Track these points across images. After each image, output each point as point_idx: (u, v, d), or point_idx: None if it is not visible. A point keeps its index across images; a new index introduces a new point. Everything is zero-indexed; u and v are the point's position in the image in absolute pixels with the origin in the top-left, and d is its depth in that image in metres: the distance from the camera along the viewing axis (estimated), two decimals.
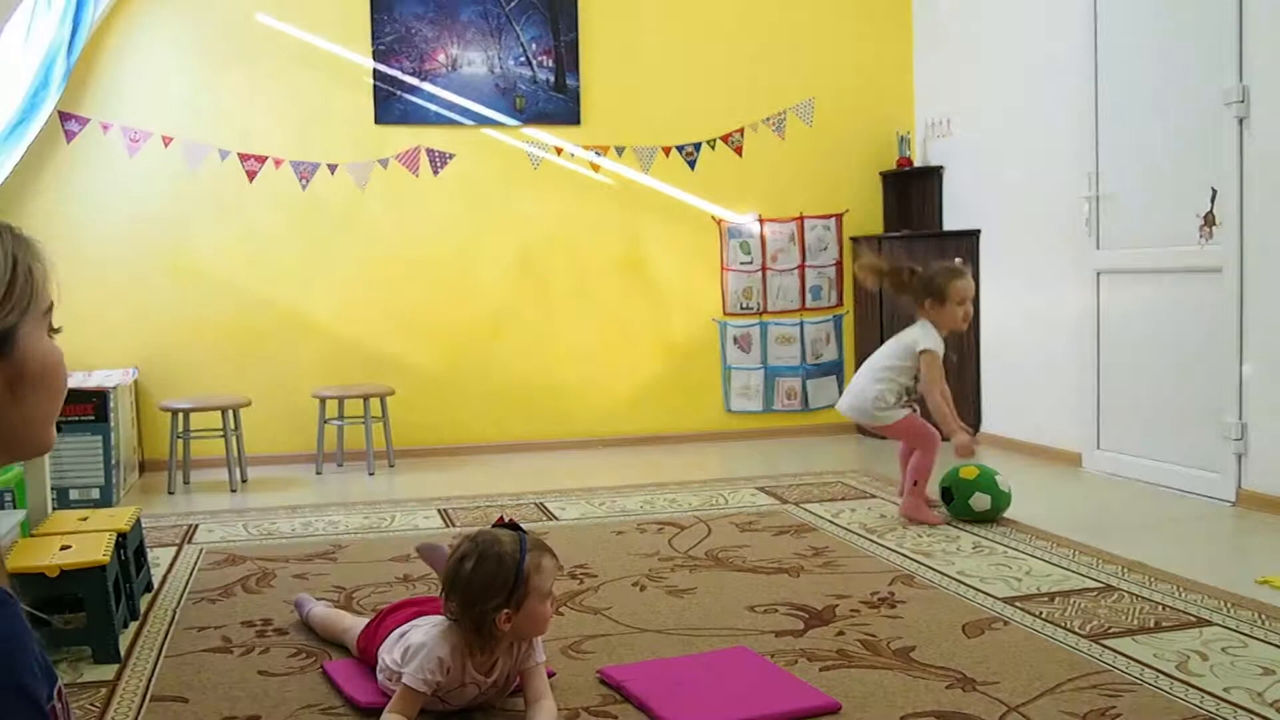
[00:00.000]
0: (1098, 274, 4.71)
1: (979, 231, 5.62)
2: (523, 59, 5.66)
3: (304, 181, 5.44)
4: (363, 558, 3.52)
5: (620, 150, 5.81)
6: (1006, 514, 3.83)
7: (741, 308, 6.00)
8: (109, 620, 2.60)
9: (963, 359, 5.65)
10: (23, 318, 1.11)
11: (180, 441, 4.88)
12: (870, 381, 3.97)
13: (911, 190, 6.03)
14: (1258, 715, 2.12)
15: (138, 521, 3.12)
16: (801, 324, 6.04)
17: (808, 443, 5.80)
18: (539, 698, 2.16)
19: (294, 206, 5.44)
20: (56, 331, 1.15)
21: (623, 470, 5.05)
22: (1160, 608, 2.81)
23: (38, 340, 1.12)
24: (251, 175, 5.38)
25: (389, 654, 2.23)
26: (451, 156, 5.62)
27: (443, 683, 2.13)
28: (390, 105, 5.52)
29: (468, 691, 2.18)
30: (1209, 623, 2.68)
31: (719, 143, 5.93)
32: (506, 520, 2.21)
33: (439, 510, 4.25)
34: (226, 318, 5.37)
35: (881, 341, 5.79)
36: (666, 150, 5.86)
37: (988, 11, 5.51)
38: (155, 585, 3.23)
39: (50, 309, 1.13)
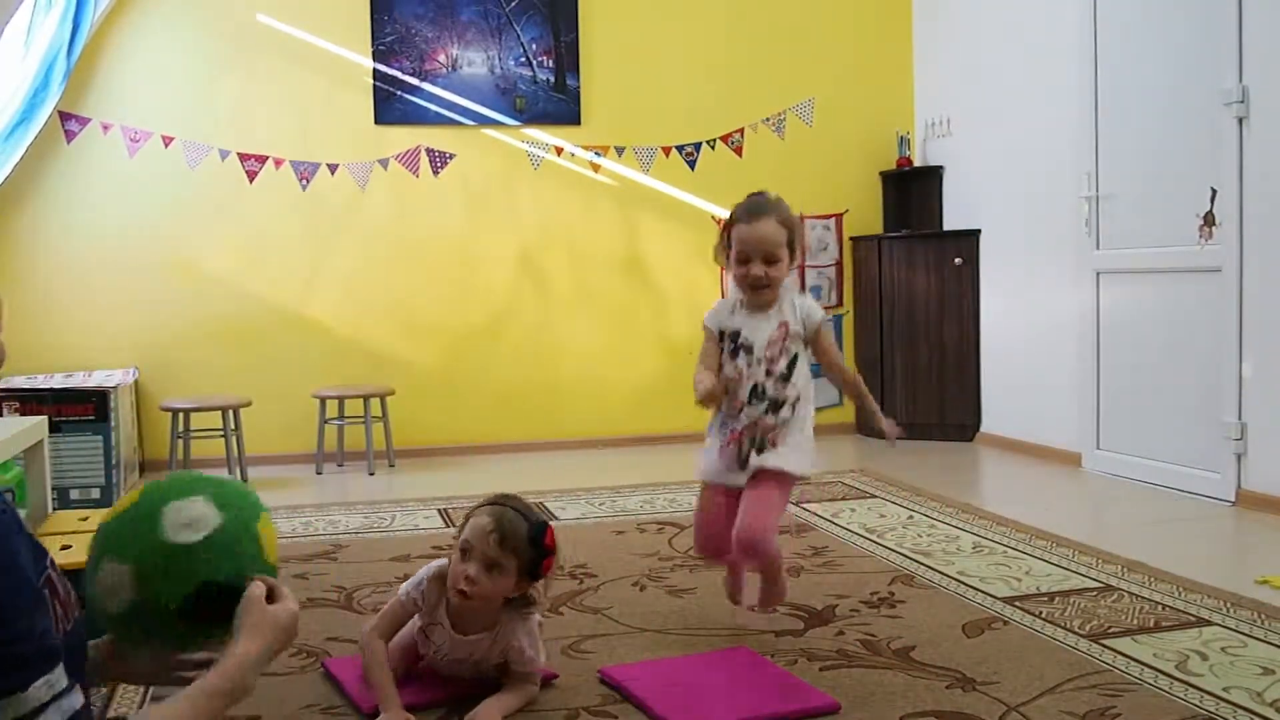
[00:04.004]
0: (1097, 274, 4.71)
1: (979, 231, 5.62)
2: (523, 59, 5.66)
3: (304, 182, 5.44)
4: (363, 558, 3.52)
5: (620, 150, 5.81)
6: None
7: None
8: None
9: (962, 358, 5.65)
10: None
11: (180, 441, 4.88)
12: None
13: (911, 190, 6.03)
14: (1257, 715, 2.12)
15: None
16: None
17: None
18: (515, 682, 2.24)
19: (294, 207, 5.44)
20: None
21: (623, 470, 5.05)
22: (1160, 608, 2.81)
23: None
24: (251, 175, 5.38)
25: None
26: (452, 157, 5.62)
27: (419, 602, 2.23)
28: (390, 105, 5.52)
29: (435, 637, 2.25)
30: (1209, 623, 2.68)
31: (719, 143, 5.93)
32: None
33: (439, 510, 4.25)
34: (226, 318, 5.38)
35: (881, 341, 5.83)
36: (666, 150, 5.86)
37: (988, 12, 5.51)
38: None
39: None
